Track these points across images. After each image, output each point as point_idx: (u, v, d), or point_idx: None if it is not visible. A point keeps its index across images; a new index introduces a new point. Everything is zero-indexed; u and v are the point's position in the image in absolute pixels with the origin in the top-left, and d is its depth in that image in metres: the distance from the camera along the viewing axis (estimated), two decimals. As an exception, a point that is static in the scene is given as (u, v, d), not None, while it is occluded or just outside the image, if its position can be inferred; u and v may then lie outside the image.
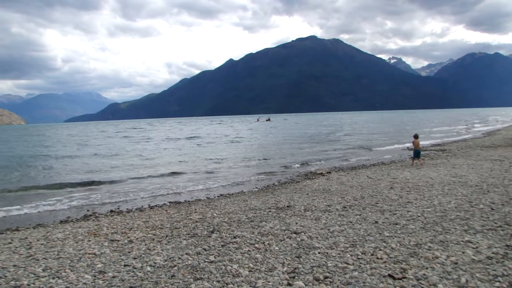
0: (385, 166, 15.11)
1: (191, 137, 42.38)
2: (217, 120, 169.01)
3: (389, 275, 4.27)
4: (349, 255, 4.94)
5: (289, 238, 5.78)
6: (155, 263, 5.05)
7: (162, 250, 5.60)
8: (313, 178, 12.88)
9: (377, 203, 7.95)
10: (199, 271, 4.68)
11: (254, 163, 18.37)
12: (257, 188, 12.02)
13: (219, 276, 4.51)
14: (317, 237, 5.76)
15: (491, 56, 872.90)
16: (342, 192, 9.65)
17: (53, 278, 4.64)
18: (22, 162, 21.18)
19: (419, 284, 4.03)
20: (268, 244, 5.58)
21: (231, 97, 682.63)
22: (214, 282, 4.34)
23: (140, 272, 4.75)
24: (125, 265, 5.01)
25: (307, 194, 9.73)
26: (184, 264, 4.96)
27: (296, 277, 4.37)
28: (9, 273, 4.87)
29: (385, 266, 4.55)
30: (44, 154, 25.86)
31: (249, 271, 4.63)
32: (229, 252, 5.33)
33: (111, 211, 9.43)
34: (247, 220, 7.20)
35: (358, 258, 4.83)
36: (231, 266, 4.78)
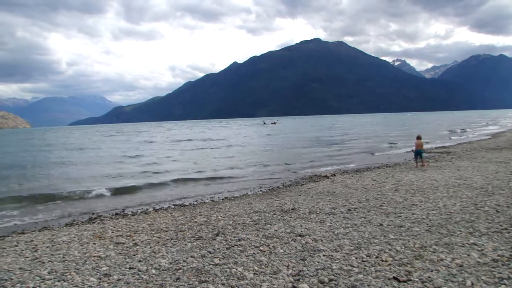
0: (389, 168, 15.05)
1: (196, 140, 42.60)
2: (222, 122, 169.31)
3: (394, 278, 4.26)
4: (354, 258, 4.93)
5: (294, 241, 5.77)
6: (160, 266, 5.06)
7: (167, 253, 5.61)
8: (317, 181, 12.86)
9: (382, 206, 7.92)
10: (204, 274, 4.69)
11: (259, 165, 18.36)
12: (261, 190, 12.03)
13: (224, 279, 4.51)
14: (321, 240, 5.75)
15: (496, 58, 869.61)
16: (346, 194, 9.62)
17: (59, 281, 4.67)
18: (31, 166, 21.34)
19: (424, 287, 4.01)
20: (273, 246, 5.57)
21: (235, 100, 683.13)
22: (219, 285, 4.34)
23: (145, 275, 4.77)
24: (130, 268, 5.02)
25: (312, 196, 9.71)
26: (189, 267, 4.96)
27: (301, 280, 4.36)
28: (15, 276, 4.90)
29: (390, 268, 4.53)
30: (48, 159, 26.05)
31: (254, 273, 4.63)
32: (234, 254, 5.33)
33: (116, 214, 9.47)
34: (251, 223, 7.19)
35: (363, 261, 4.81)
36: (236, 269, 4.78)
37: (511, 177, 10.60)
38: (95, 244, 6.33)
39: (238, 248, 5.59)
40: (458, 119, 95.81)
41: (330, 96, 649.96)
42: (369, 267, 4.62)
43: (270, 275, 4.57)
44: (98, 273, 4.87)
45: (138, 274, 4.79)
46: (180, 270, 4.86)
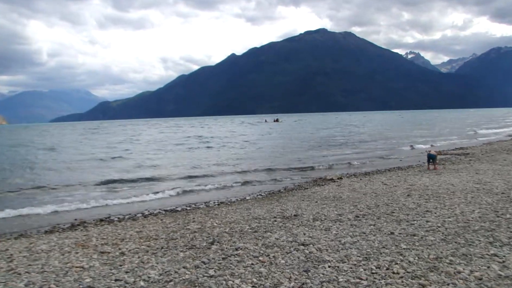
0: (401, 171, 15.13)
1: (190, 138, 42.63)
2: (218, 120, 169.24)
3: (407, 292, 4.26)
4: (362, 270, 4.93)
5: (297, 251, 5.78)
6: (149, 277, 5.05)
7: (157, 263, 5.61)
8: (322, 185, 12.93)
9: (393, 212, 7.94)
10: (197, 286, 4.68)
11: (259, 168, 18.42)
12: (261, 195, 12.07)
13: (219, 292, 4.51)
14: (327, 249, 5.76)
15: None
16: (354, 199, 9.66)
17: (38, 294, 4.66)
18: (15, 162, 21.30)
19: (440, 302, 4.02)
20: (274, 257, 5.58)
21: (233, 96, 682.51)
22: (214, 299, 4.34)
23: None
24: (116, 280, 5.01)
25: (316, 202, 9.76)
26: (181, 278, 4.96)
27: (304, 294, 4.36)
28: (-11, 288, 4.89)
29: (402, 281, 4.53)
30: (36, 156, 26.01)
31: (253, 286, 4.63)
32: (231, 265, 5.33)
33: (101, 220, 9.46)
34: (250, 230, 7.21)
35: (372, 273, 4.82)
36: (233, 281, 4.78)
37: (535, 182, 10.62)
38: (77, 253, 6.32)
39: (235, 258, 5.59)
40: (477, 117, 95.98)
41: (336, 91, 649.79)
42: (379, 280, 4.62)
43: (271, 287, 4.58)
44: (81, 285, 4.86)
45: (125, 287, 4.79)
46: (172, 282, 4.85)
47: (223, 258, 5.61)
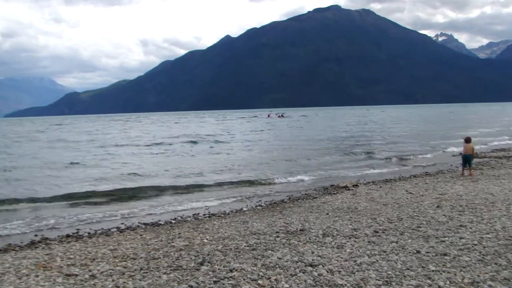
0: (430, 177, 15.19)
1: (177, 137, 42.60)
2: (211, 115, 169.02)
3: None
4: (382, 296, 4.94)
5: (303, 273, 5.79)
6: (125, 305, 5.06)
7: (135, 287, 5.63)
8: (334, 193, 13.00)
9: (420, 227, 7.97)
10: (183, 316, 4.69)
11: (258, 173, 18.48)
12: (261, 205, 12.14)
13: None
14: (339, 271, 5.77)
15: None
16: (372, 211, 9.71)
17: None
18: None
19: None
20: (275, 280, 5.58)
21: (227, 86, 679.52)
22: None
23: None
24: (85, 308, 5.02)
25: (327, 214, 9.81)
26: (163, 306, 4.97)
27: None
28: None
29: (431, 310, 4.54)
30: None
31: (250, 316, 4.64)
32: (224, 290, 5.35)
33: (68, 235, 9.47)
34: (247, 248, 7.23)
35: (395, 300, 4.83)
36: (226, 310, 4.78)
37: None
38: (38, 276, 6.30)
39: (229, 282, 5.60)
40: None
41: (351, 81, 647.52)
42: (403, 308, 4.63)
43: (272, 318, 4.58)
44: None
45: (96, 316, 4.79)
46: (152, 311, 4.86)
47: (215, 282, 5.61)
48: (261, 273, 5.86)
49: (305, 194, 13.50)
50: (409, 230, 7.76)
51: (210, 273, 6.00)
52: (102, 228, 10.10)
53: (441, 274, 5.53)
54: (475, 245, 6.67)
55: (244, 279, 5.67)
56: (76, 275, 6.25)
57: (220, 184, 16.04)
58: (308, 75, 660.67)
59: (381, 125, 59.11)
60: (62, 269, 6.62)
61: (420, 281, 5.33)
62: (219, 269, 6.14)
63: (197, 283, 5.63)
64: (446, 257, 6.16)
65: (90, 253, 7.56)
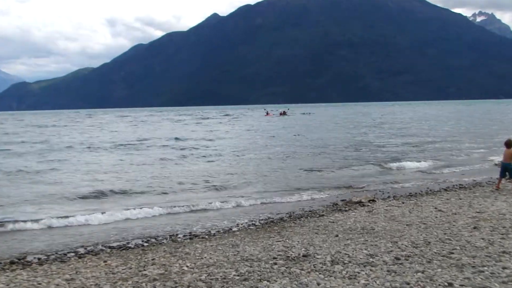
0: (465, 191, 15.15)
1: (144, 141, 42.42)
2: (194, 112, 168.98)
3: None
4: None
5: (307, 310, 5.73)
6: None
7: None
8: (346, 210, 12.94)
9: (452, 253, 7.93)
10: None
11: (252, 184, 18.45)
12: (254, 224, 12.06)
13: None
14: (352, 309, 5.72)
15: None
16: (393, 233, 9.66)
17: None
18: None
19: None
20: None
21: (214, 77, 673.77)
22: None
23: None
24: None
25: (336, 235, 9.76)
26: None
27: None
28: None
29: None
30: None
31: None
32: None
33: (12, 262, 9.29)
34: (237, 278, 7.18)
35: None
36: None
37: None
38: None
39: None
40: None
41: (367, 71, 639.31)
42: None
43: None
44: None
45: None
46: None
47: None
48: (254, 311, 5.80)
49: (309, 211, 13.36)
50: (439, 257, 7.71)
51: (190, 310, 5.92)
52: (56, 253, 9.94)
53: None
54: (521, 276, 6.69)
55: (233, 318, 5.61)
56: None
57: (202, 197, 15.94)
58: (314, 64, 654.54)
59: (405, 125, 59.28)
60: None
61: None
62: (202, 305, 6.07)
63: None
64: (485, 292, 6.13)
65: (40, 284, 7.44)
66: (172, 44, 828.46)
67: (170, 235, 11.28)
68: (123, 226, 12.40)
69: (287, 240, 9.54)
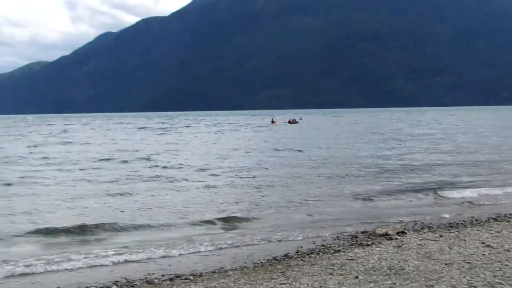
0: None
1: (130, 155, 42.75)
2: (180, 119, 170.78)
3: None
4: None
5: None
6: None
7: None
8: (368, 245, 12.54)
9: (505, 301, 7.59)
10: None
11: (251, 210, 18.25)
12: (253, 262, 11.70)
13: None
14: None
15: None
16: (428, 274, 9.36)
17: None
18: None
19: None
20: None
21: (202, 75, 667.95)
22: None
23: None
24: None
25: (356, 277, 9.42)
26: None
27: None
28: None
29: None
30: None
31: None
32: None
33: None
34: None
35: None
36: None
37: None
38: None
39: None
40: None
41: (397, 70, 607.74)
42: None
43: None
44: None
45: None
46: None
47: None
48: None
49: (322, 245, 12.97)
50: (487, 306, 7.35)
51: None
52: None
53: None
54: None
55: None
56: None
57: (186, 224, 15.92)
58: (329, 60, 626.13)
59: (443, 135, 59.46)
60: None
61: None
62: None
63: None
64: None
65: None
66: (149, 33, 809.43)
67: (145, 275, 10.93)
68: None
69: (294, 283, 9.29)
